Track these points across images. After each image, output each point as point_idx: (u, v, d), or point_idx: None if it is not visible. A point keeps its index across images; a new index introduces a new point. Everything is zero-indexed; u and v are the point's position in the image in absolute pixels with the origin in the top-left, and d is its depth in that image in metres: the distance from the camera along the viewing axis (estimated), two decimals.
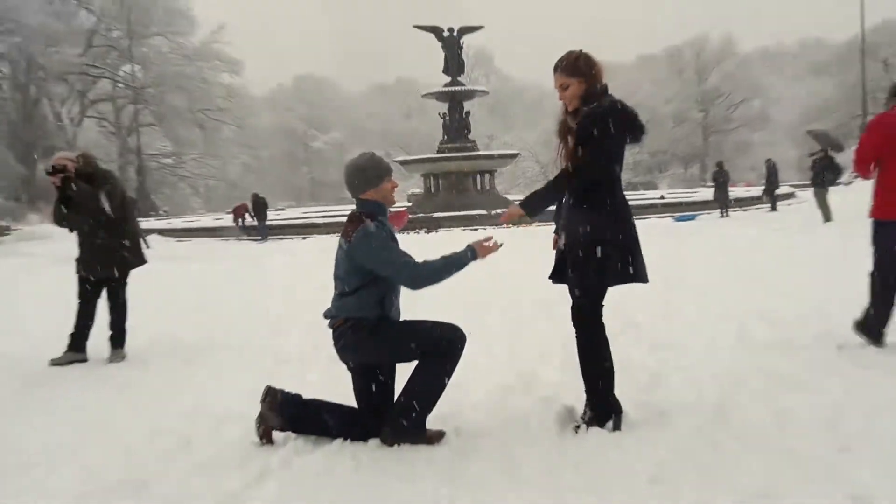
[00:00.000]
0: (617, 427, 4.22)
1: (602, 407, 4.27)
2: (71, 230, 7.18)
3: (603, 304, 4.32)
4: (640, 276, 4.28)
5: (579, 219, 4.23)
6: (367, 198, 4.35)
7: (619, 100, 4.20)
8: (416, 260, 4.24)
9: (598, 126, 4.07)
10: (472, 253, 4.27)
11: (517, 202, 4.25)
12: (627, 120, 4.15)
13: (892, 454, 3.66)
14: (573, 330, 4.32)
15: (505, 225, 4.38)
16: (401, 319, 4.43)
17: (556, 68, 4.29)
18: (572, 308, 4.31)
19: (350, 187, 4.41)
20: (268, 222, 29.32)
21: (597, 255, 4.15)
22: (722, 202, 26.87)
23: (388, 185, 4.37)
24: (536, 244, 9.37)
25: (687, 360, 5.74)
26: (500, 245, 4.32)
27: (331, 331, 4.38)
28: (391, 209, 4.50)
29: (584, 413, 4.33)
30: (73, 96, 60.05)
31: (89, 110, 62.20)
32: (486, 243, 4.31)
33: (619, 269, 4.19)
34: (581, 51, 4.32)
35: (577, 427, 4.25)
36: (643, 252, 4.33)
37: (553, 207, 4.48)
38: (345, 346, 4.31)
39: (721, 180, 27.02)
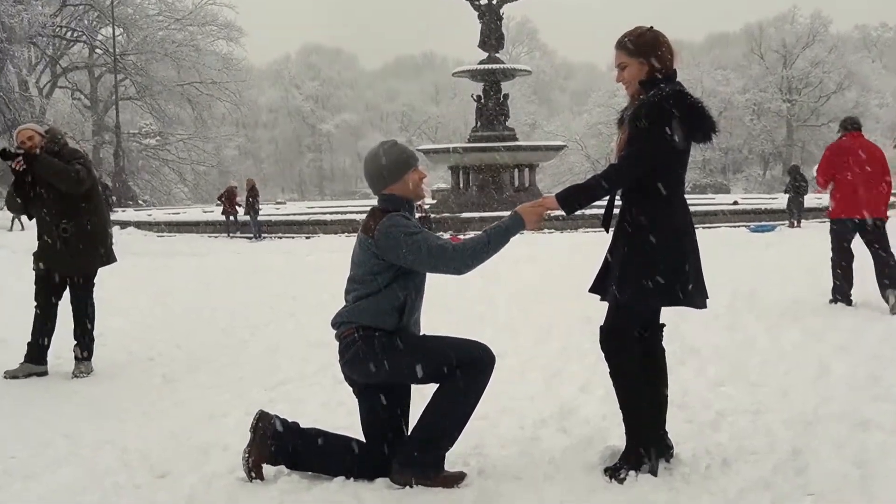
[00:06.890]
0: (653, 473, 4.20)
1: (636, 447, 4.26)
2: (30, 217, 7.21)
3: (663, 324, 4.33)
4: (693, 299, 4.23)
5: (625, 224, 4.23)
6: (390, 193, 4.36)
7: (686, 90, 4.18)
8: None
9: (650, 117, 4.06)
10: (519, 220, 4.19)
11: (554, 194, 4.26)
12: (692, 115, 4.12)
13: None
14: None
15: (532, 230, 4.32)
16: (421, 334, 4.44)
17: (617, 44, 4.31)
18: (601, 328, 4.32)
19: (370, 182, 4.42)
20: (260, 217, 29.01)
21: (639, 269, 4.14)
22: (794, 211, 26.86)
23: (415, 176, 4.36)
24: (583, 251, 9.33)
25: (756, 397, 5.70)
26: (550, 212, 4.24)
27: (337, 344, 4.39)
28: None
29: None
30: (43, 63, 60.69)
31: (61, 80, 62.88)
32: (534, 208, 4.24)
33: (665, 289, 4.14)
34: (650, 27, 4.31)
35: (608, 471, 4.24)
36: (704, 269, 4.29)
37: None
38: (352, 360, 4.30)
39: (802, 187, 27.00)
